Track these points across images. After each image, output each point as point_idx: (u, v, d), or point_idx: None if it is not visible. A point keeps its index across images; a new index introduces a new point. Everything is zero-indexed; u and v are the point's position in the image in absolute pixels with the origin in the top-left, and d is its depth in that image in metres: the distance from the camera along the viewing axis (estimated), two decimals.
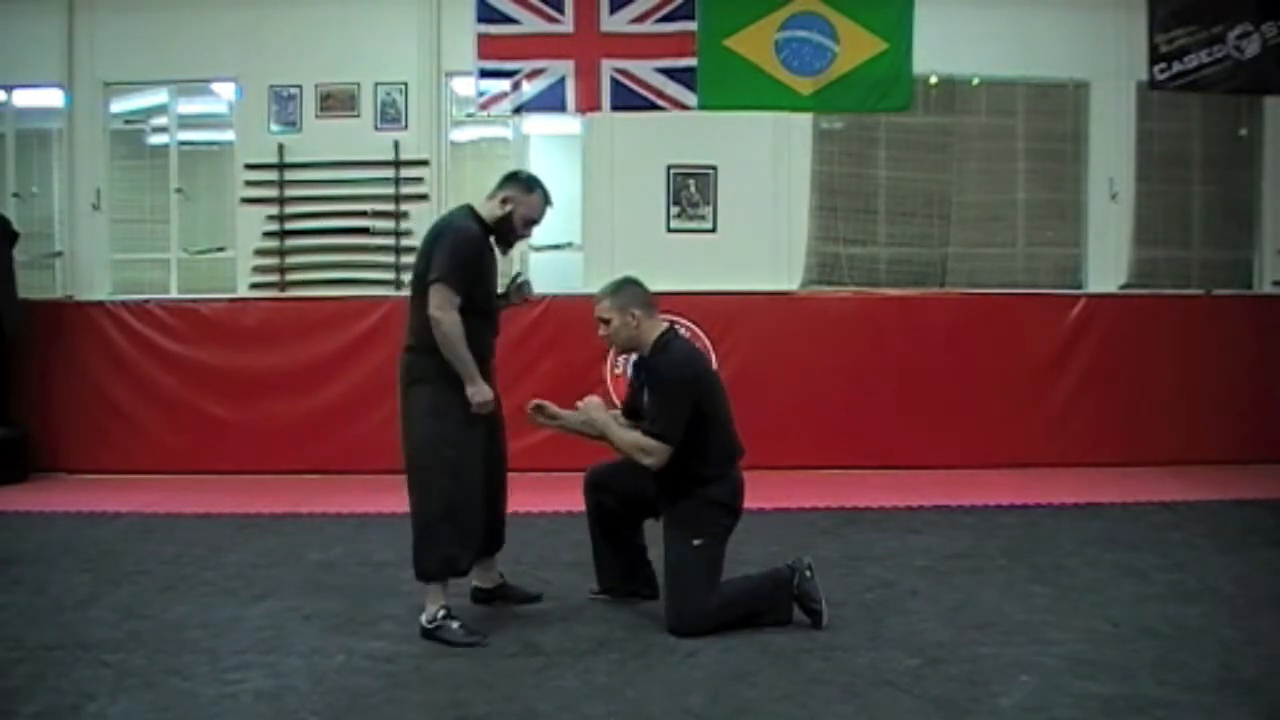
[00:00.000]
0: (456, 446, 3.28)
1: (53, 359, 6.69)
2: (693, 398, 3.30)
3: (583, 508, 3.68)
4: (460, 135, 7.17)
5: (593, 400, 3.44)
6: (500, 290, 3.66)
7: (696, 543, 3.30)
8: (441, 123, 6.94)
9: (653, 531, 3.56)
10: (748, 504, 3.46)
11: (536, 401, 3.53)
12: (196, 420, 6.62)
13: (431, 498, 3.28)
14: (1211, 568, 4.10)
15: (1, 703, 2.76)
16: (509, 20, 6.02)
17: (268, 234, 6.87)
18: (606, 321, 3.42)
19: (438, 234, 3.39)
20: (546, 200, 3.55)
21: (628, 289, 3.45)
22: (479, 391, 3.27)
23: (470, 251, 3.33)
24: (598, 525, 3.63)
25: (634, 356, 3.59)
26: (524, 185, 3.49)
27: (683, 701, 2.75)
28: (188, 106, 7.16)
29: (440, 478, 3.27)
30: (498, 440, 3.51)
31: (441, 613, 3.28)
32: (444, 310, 3.22)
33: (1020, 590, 3.81)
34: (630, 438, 3.34)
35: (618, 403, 3.91)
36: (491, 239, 3.49)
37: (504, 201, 3.45)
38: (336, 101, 6.88)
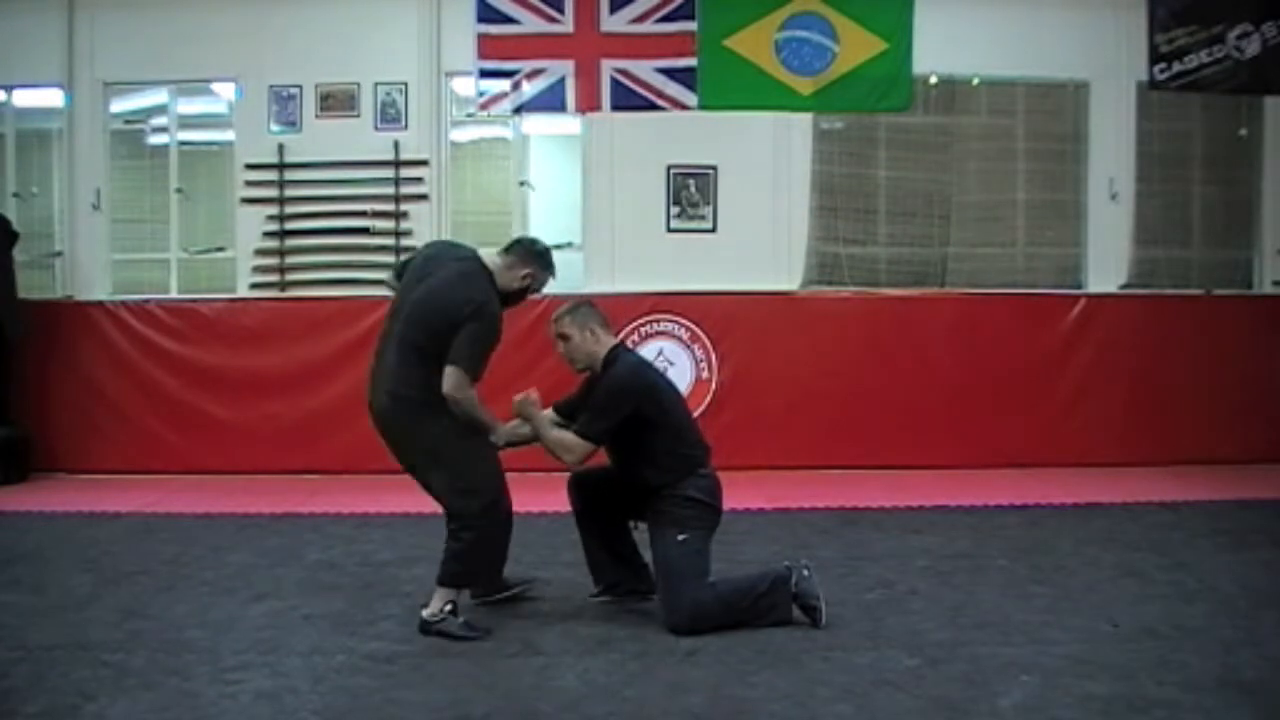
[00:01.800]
0: (498, 462, 3.43)
1: (53, 359, 6.68)
2: (626, 406, 3.39)
3: None
4: (460, 135, 7.17)
5: (530, 395, 3.47)
6: None
7: (681, 538, 3.36)
8: (441, 123, 6.93)
9: (642, 539, 3.58)
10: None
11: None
12: (196, 420, 6.62)
13: (497, 511, 3.36)
14: (1211, 568, 4.10)
15: (1, 703, 2.75)
16: (509, 20, 6.02)
17: (268, 234, 6.87)
18: (565, 338, 3.50)
19: (467, 307, 3.29)
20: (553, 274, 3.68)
21: (585, 307, 3.57)
22: (498, 437, 3.44)
23: (497, 339, 3.39)
24: (585, 524, 3.67)
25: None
26: (543, 263, 3.59)
27: (683, 701, 2.75)
28: (188, 106, 7.15)
29: (498, 493, 3.38)
30: None
31: (447, 608, 3.32)
32: (462, 391, 3.28)
33: (1020, 590, 3.81)
34: (555, 435, 3.45)
35: None
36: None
37: (524, 277, 3.54)
38: (336, 101, 6.87)
